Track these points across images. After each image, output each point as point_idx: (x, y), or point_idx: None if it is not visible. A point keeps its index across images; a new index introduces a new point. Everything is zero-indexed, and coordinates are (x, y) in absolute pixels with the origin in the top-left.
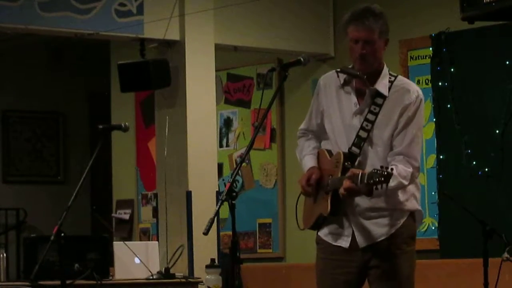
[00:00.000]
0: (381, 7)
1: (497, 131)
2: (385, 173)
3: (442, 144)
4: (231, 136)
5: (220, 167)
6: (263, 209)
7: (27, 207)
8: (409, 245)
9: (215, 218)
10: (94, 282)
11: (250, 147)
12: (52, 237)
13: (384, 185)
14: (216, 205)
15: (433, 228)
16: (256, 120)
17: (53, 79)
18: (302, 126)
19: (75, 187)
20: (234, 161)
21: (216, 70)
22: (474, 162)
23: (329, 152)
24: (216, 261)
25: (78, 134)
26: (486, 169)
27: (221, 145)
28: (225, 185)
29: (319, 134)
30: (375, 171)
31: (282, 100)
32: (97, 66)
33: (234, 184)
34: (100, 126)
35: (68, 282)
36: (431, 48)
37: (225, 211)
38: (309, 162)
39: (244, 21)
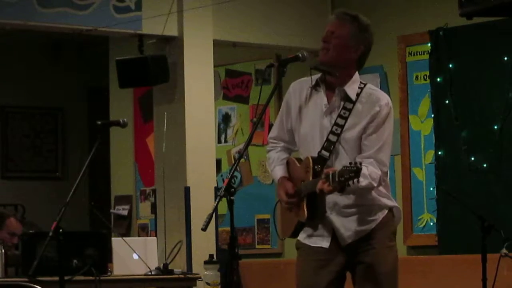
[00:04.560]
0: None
1: (496, 127)
2: (355, 168)
3: (440, 140)
4: (230, 132)
5: (218, 163)
6: (262, 205)
7: (26, 203)
8: (391, 240)
9: (214, 214)
10: (93, 278)
11: (249, 143)
12: (50, 233)
13: (355, 181)
14: (215, 201)
15: (432, 224)
16: (254, 116)
17: (52, 75)
18: (271, 134)
19: (74, 183)
20: (232, 157)
21: (214, 66)
22: (472, 158)
23: (299, 160)
24: (215, 257)
25: (77, 130)
26: (485, 165)
27: (219, 141)
28: (223, 181)
29: (290, 142)
30: (345, 168)
31: (280, 96)
32: (95, 62)
33: (233, 180)
34: (99, 122)
35: (66, 278)
36: (429, 44)
37: (223, 207)
38: (278, 172)
39: (242, 17)
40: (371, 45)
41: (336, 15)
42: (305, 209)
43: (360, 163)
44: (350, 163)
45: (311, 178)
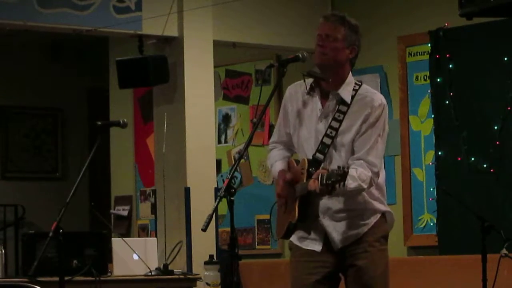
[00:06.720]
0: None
1: (496, 127)
2: (342, 171)
3: (440, 140)
4: (230, 132)
5: (218, 163)
6: (262, 205)
7: (26, 203)
8: (382, 244)
9: (214, 215)
10: (93, 278)
11: (249, 143)
12: (50, 234)
13: (341, 184)
14: (215, 201)
15: (432, 224)
16: (254, 116)
17: (52, 75)
18: (272, 139)
19: (74, 183)
20: (232, 158)
21: (214, 66)
22: (472, 158)
23: (297, 162)
24: (215, 257)
25: (77, 131)
26: (485, 165)
27: (219, 142)
28: (223, 182)
29: (290, 144)
30: (333, 171)
31: (280, 96)
32: (95, 62)
33: (233, 181)
34: (99, 123)
35: (66, 278)
36: (429, 44)
37: (223, 207)
38: (278, 166)
39: (242, 18)
40: (360, 45)
41: (327, 17)
42: (297, 210)
43: (348, 167)
44: (339, 167)
45: (305, 180)
